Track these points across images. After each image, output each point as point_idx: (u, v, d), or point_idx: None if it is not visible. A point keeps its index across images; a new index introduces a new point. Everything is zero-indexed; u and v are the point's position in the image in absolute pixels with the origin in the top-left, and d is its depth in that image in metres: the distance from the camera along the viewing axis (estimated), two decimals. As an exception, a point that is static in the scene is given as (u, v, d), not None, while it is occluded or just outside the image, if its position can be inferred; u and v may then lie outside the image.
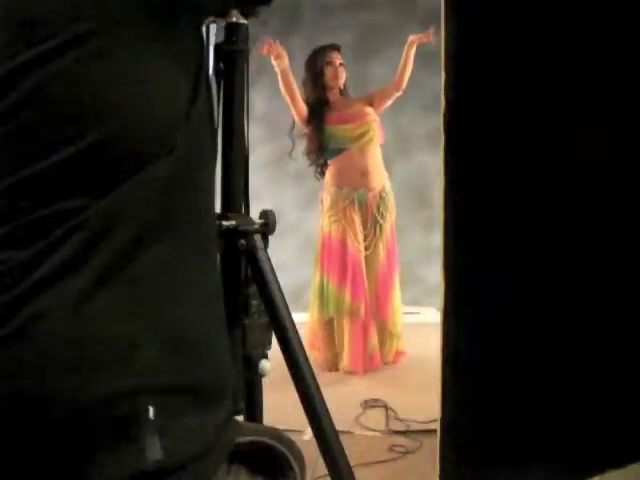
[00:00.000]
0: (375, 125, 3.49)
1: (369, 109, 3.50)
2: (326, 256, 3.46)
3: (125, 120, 0.65)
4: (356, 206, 3.41)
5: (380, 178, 3.48)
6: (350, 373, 3.36)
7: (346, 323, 3.39)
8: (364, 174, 3.42)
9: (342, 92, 3.57)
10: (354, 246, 3.39)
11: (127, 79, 0.66)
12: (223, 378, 0.74)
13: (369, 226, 3.43)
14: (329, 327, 3.44)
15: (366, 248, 3.42)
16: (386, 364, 3.49)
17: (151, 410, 0.62)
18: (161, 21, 0.68)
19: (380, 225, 3.44)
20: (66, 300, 0.61)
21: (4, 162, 0.64)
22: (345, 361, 3.38)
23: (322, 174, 3.55)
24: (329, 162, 3.52)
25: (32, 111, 0.63)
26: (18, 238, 0.62)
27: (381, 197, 3.45)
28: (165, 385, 0.65)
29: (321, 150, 3.45)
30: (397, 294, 3.52)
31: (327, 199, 3.49)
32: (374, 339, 3.42)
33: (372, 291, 3.43)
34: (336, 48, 3.53)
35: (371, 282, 3.43)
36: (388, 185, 3.51)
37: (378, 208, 3.44)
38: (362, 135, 3.44)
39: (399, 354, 3.54)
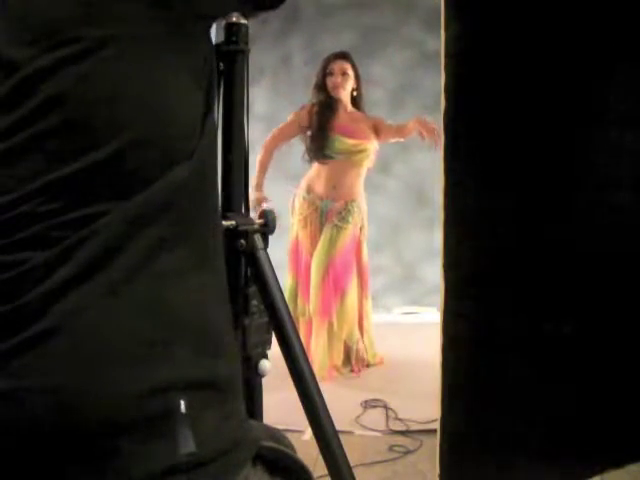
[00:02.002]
0: (372, 153, 3.50)
1: (373, 137, 3.50)
2: (294, 259, 3.51)
3: (150, 125, 0.66)
4: (318, 215, 3.45)
5: (350, 192, 3.46)
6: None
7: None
8: (336, 187, 3.43)
9: (355, 100, 3.53)
10: (308, 251, 3.44)
11: (150, 84, 0.67)
12: (239, 374, 0.77)
13: (325, 233, 3.42)
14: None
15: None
16: (336, 369, 3.44)
17: (182, 404, 0.64)
18: (177, 28, 0.69)
19: (339, 228, 3.42)
20: (96, 297, 0.63)
21: (28, 166, 0.64)
22: None
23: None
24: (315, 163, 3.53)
25: (57, 115, 0.64)
26: (40, 240, 0.63)
27: (346, 207, 3.44)
28: (194, 380, 0.66)
29: (322, 153, 3.44)
30: (352, 297, 3.46)
31: (297, 201, 3.53)
32: (321, 343, 3.39)
33: (325, 291, 3.41)
34: (343, 57, 3.49)
35: (324, 283, 3.41)
36: (360, 200, 3.49)
37: (339, 214, 3.42)
38: (358, 152, 3.44)
39: (359, 365, 3.49)
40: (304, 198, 3.49)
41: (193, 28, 0.72)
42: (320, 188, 3.46)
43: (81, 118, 0.64)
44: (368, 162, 3.51)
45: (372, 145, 3.49)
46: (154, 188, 0.66)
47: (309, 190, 3.48)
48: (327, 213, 3.43)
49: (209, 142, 0.73)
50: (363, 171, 3.51)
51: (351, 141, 3.42)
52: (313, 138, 3.45)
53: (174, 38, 0.69)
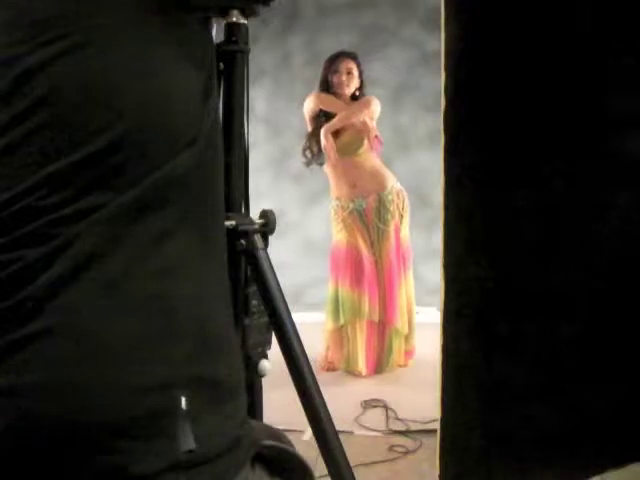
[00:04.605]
0: (364, 134, 3.47)
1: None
2: (335, 265, 3.49)
3: (145, 115, 0.66)
4: (356, 215, 3.44)
5: (374, 182, 3.46)
6: (364, 377, 3.38)
7: (360, 327, 3.39)
8: (355, 184, 3.45)
9: (356, 98, 3.54)
10: (365, 253, 3.41)
11: (143, 74, 0.67)
12: (240, 373, 0.76)
13: (372, 234, 3.43)
14: (342, 334, 3.43)
15: (372, 254, 3.45)
16: (399, 366, 3.47)
17: (183, 401, 0.63)
18: (171, 18, 0.70)
19: (383, 231, 3.43)
20: (95, 293, 0.62)
21: (24, 163, 0.64)
22: (360, 365, 3.37)
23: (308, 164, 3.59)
24: (325, 171, 3.56)
25: (51, 109, 0.64)
26: (37, 237, 0.63)
27: (380, 200, 3.44)
28: (196, 377, 0.66)
29: (318, 156, 3.50)
30: (404, 293, 3.50)
31: (331, 211, 3.56)
32: (385, 343, 3.44)
33: (381, 296, 3.44)
34: (349, 56, 3.51)
35: (380, 287, 3.44)
36: (389, 185, 3.47)
37: (378, 213, 3.43)
38: (348, 144, 3.45)
39: (408, 354, 3.53)
40: (337, 205, 3.51)
41: (188, 18, 0.72)
42: (344, 191, 3.48)
43: (74, 112, 0.64)
44: (365, 149, 3.47)
45: (361, 129, 3.46)
46: (152, 180, 0.65)
47: (338, 197, 3.51)
48: (365, 213, 3.44)
49: (211, 130, 0.72)
50: (367, 158, 3.48)
51: (338, 137, 3.45)
52: (310, 141, 3.51)
53: (168, 28, 0.69)
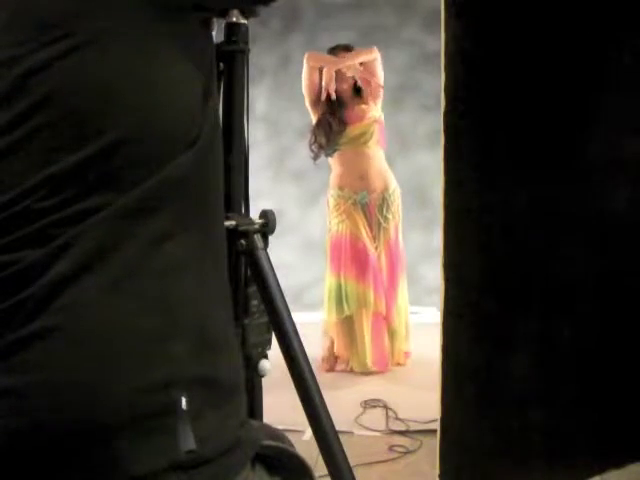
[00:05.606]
0: (374, 127, 3.47)
1: (367, 108, 3.49)
2: (336, 256, 3.46)
3: (145, 116, 0.66)
4: (358, 207, 3.44)
5: (381, 180, 3.48)
6: (373, 373, 3.35)
7: (366, 320, 3.38)
8: (362, 177, 3.45)
9: (359, 92, 3.54)
10: (368, 246, 3.41)
11: (144, 75, 0.67)
12: (240, 373, 0.76)
13: (373, 228, 3.44)
14: (347, 325, 3.42)
15: (375, 248, 3.45)
16: (399, 365, 3.48)
17: (184, 401, 0.63)
18: (174, 19, 0.70)
19: (384, 228, 3.45)
20: (97, 293, 0.62)
21: (24, 163, 0.64)
22: (369, 360, 3.36)
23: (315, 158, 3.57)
24: (330, 162, 3.56)
25: (51, 110, 0.64)
26: (38, 237, 0.63)
27: (383, 198, 3.45)
28: (196, 377, 0.66)
29: (328, 146, 3.47)
30: (401, 294, 3.51)
31: (330, 201, 3.53)
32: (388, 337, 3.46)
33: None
34: (345, 49, 3.52)
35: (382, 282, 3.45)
36: (392, 186, 3.49)
37: (381, 210, 3.44)
38: (357, 137, 3.45)
39: (406, 354, 3.54)
40: (339, 195, 3.48)
41: (189, 19, 0.72)
42: (349, 182, 3.46)
43: (74, 113, 0.64)
44: (375, 140, 3.47)
45: (372, 120, 3.47)
46: (153, 180, 0.65)
47: (341, 187, 3.48)
48: (368, 206, 3.44)
49: (211, 131, 0.72)
50: (376, 150, 3.50)
51: (348, 128, 3.44)
52: (315, 133, 3.49)
53: (169, 29, 0.69)
